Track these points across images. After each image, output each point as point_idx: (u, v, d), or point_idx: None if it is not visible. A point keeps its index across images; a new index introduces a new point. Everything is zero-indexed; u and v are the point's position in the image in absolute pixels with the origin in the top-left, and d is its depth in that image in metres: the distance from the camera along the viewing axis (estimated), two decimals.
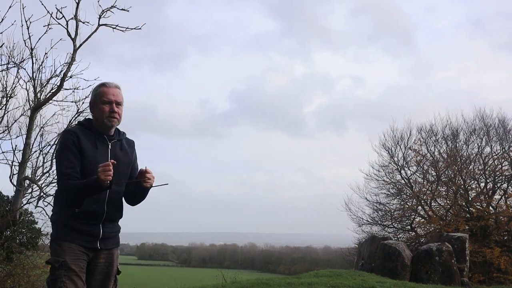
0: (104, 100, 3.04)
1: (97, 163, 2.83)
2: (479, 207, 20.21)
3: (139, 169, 3.11)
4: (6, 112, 8.47)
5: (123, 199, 3.18)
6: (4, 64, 8.22)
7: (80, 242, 2.91)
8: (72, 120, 8.56)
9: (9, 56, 8.14)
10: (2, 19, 7.47)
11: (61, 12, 7.48)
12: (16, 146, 8.42)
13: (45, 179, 8.86)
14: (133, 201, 3.20)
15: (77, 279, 2.84)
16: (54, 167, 8.84)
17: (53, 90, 8.21)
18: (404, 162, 22.21)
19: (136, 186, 3.08)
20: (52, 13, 7.44)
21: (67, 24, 7.66)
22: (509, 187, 20.36)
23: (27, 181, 8.48)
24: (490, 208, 20.36)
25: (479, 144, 21.19)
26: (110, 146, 3.07)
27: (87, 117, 3.24)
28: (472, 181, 21.09)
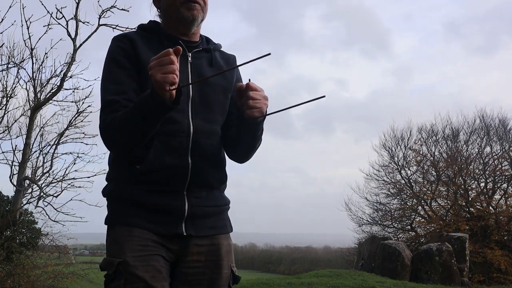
0: None
1: None
2: (479, 207, 20.22)
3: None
4: (6, 112, 8.46)
5: (222, 149, 1.83)
6: (4, 64, 8.22)
7: (149, 225, 1.64)
8: (72, 120, 8.57)
9: (9, 56, 8.13)
10: (2, 19, 7.47)
11: (61, 12, 7.48)
12: (16, 146, 8.41)
13: (45, 179, 8.86)
14: (239, 151, 1.83)
15: None
16: (54, 167, 8.82)
17: (53, 90, 8.21)
18: (404, 162, 22.24)
19: (239, 120, 1.74)
20: (52, 13, 7.44)
21: (67, 24, 7.66)
22: (509, 187, 20.37)
23: (27, 181, 8.47)
24: (490, 208, 20.36)
25: (479, 144, 21.23)
26: (190, 58, 1.77)
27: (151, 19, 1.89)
28: (472, 181, 21.10)
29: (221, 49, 1.93)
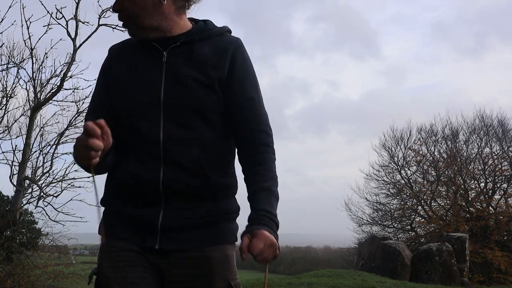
0: None
1: (128, 96, 1.56)
2: (479, 207, 20.23)
3: None
4: (6, 112, 8.47)
5: (218, 153, 1.61)
6: (4, 64, 8.23)
7: (128, 236, 1.57)
8: (72, 120, 8.57)
9: (9, 56, 8.14)
10: (2, 19, 7.46)
11: (61, 12, 7.47)
12: (16, 146, 8.41)
13: (45, 179, 8.87)
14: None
15: None
16: (54, 167, 8.84)
17: (53, 90, 8.21)
18: (404, 162, 22.25)
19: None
20: (52, 13, 7.43)
21: (67, 24, 7.65)
22: (509, 187, 20.38)
23: (27, 181, 8.47)
24: (490, 208, 20.38)
25: (479, 144, 21.25)
26: (165, 58, 1.57)
27: None
28: (472, 181, 21.11)
29: (224, 33, 1.65)
